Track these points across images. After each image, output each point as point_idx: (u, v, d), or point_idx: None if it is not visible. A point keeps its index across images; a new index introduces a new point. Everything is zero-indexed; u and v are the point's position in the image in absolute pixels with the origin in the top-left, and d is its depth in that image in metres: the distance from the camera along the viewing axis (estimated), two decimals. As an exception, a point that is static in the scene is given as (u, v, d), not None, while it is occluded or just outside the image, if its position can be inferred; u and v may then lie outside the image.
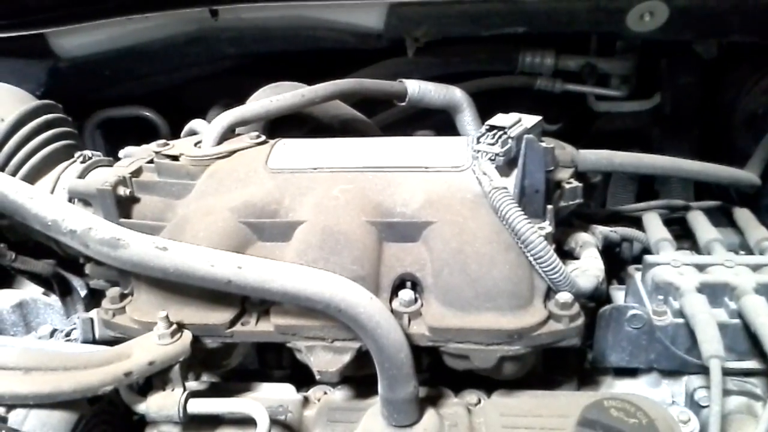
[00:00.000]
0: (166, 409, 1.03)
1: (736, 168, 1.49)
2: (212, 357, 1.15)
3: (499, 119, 1.13)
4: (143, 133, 1.95)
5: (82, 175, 1.39)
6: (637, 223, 1.46)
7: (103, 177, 1.25)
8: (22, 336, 1.42)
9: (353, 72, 1.87)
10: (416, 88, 1.50)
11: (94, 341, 1.26)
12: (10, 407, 0.97)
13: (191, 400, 1.04)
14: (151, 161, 1.30)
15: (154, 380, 1.06)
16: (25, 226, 1.12)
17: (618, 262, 1.39)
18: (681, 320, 1.12)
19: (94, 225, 1.04)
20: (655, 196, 1.91)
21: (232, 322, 1.10)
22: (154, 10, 1.69)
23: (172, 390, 1.05)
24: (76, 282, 1.46)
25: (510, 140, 1.10)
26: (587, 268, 1.14)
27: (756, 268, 1.18)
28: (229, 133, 1.35)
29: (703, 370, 1.08)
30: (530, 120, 1.15)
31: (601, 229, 1.33)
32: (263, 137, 1.35)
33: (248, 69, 1.98)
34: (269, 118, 1.42)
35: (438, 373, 1.15)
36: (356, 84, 1.49)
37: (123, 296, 1.17)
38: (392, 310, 1.06)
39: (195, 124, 1.51)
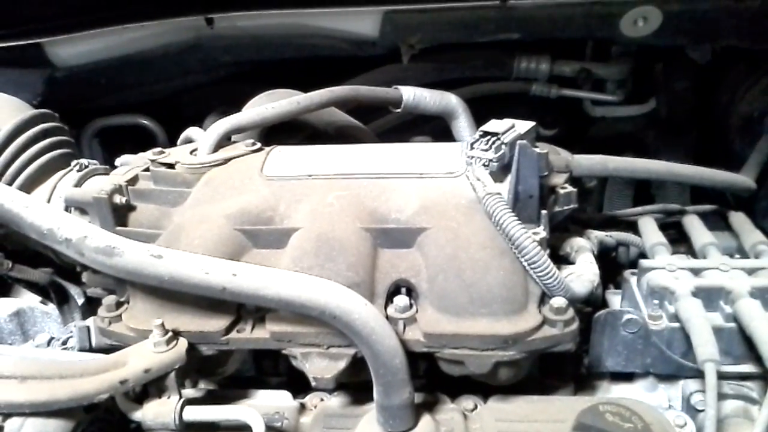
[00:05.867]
0: (162, 416, 1.03)
1: (732, 172, 1.49)
2: (208, 364, 1.15)
3: (493, 125, 1.13)
4: (140, 142, 1.96)
5: (78, 184, 1.40)
6: (632, 227, 1.46)
7: (100, 185, 1.25)
8: (20, 345, 1.42)
9: (349, 79, 1.88)
10: (411, 94, 1.51)
11: (91, 349, 1.26)
12: (7, 416, 0.97)
13: (187, 408, 1.04)
14: (147, 169, 1.31)
15: (149, 388, 1.06)
16: (22, 234, 1.12)
17: (614, 266, 1.39)
18: (676, 324, 1.13)
19: (89, 233, 1.04)
20: (652, 201, 1.91)
21: (228, 330, 1.10)
22: (151, 19, 1.70)
23: (168, 397, 1.05)
24: (73, 290, 1.46)
25: (503, 146, 1.11)
26: (582, 273, 1.14)
27: (751, 271, 1.18)
28: (224, 141, 1.36)
29: (699, 374, 1.08)
30: (524, 125, 1.15)
31: (597, 234, 1.33)
32: (258, 144, 1.35)
33: (244, 77, 2.00)
34: (265, 126, 1.43)
35: (434, 378, 1.15)
36: (352, 91, 1.50)
37: (119, 304, 1.17)
38: (387, 317, 1.06)
39: (191, 131, 1.52)
